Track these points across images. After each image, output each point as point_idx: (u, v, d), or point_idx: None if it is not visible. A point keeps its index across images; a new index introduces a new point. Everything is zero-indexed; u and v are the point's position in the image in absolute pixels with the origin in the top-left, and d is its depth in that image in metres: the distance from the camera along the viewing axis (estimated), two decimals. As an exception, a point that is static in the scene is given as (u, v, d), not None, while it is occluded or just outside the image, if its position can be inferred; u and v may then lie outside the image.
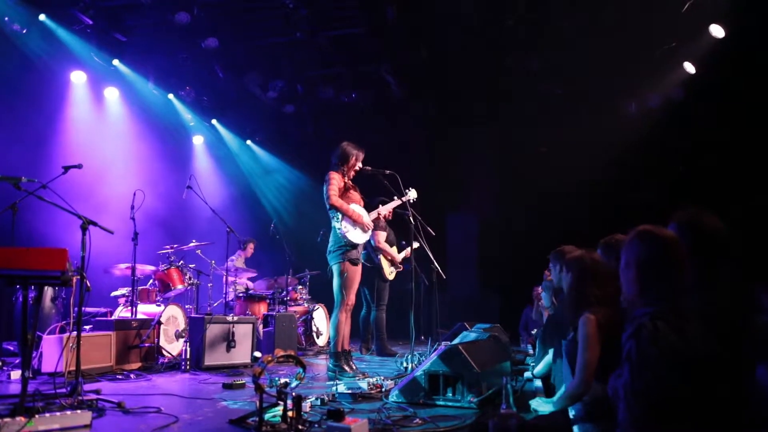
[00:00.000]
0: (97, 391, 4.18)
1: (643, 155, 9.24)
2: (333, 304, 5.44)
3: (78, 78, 8.31)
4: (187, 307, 7.06)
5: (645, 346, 2.02)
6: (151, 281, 7.02)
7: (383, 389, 4.32)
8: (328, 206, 5.32)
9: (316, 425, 3.15)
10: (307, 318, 8.09)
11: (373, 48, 8.84)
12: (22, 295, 3.56)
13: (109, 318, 6.27)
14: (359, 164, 5.55)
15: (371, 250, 7.29)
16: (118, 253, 6.84)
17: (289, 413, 3.03)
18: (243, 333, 6.14)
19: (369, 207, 5.67)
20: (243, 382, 4.78)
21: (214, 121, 10.78)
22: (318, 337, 8.13)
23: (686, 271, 2.18)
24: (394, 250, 7.45)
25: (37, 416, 2.99)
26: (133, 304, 6.24)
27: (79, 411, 3.24)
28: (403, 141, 10.93)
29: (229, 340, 5.98)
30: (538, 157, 10.35)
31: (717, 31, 7.63)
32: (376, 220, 5.84)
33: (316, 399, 3.84)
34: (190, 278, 7.15)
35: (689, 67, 8.47)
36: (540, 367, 4.57)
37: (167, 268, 6.94)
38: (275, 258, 9.00)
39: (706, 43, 7.84)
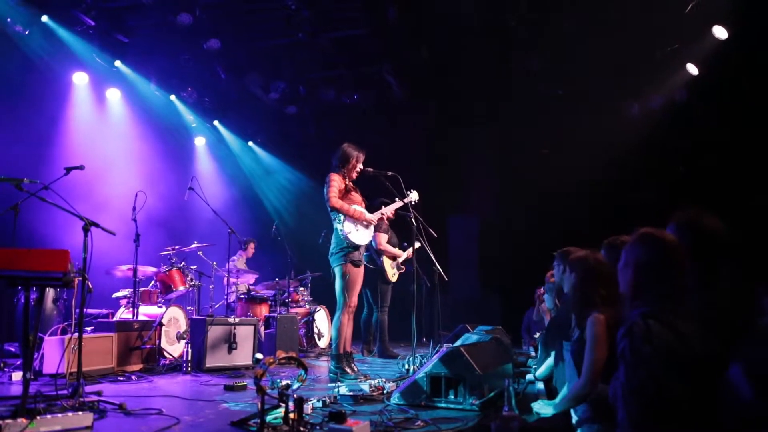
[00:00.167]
0: (98, 393, 4.19)
1: (645, 156, 9.23)
2: (335, 305, 5.43)
3: (80, 79, 8.31)
4: (188, 308, 7.06)
5: (638, 344, 2.04)
6: (152, 283, 7.02)
7: (385, 391, 4.32)
8: (328, 208, 5.32)
9: (318, 427, 3.14)
10: (309, 320, 8.09)
11: (374, 49, 8.85)
12: (24, 297, 3.56)
13: (110, 319, 6.27)
14: (360, 165, 5.55)
15: (373, 252, 7.28)
16: (120, 254, 6.84)
17: (291, 415, 3.02)
18: (244, 335, 6.13)
19: (370, 208, 5.66)
20: (244, 383, 4.78)
21: (215, 123, 10.78)
22: (319, 339, 8.12)
23: (684, 275, 2.19)
24: (396, 250, 7.44)
25: (38, 418, 2.98)
26: (134, 306, 6.24)
27: (80, 412, 3.24)
28: (404, 142, 10.92)
29: (230, 342, 5.97)
30: (539, 158, 10.34)
31: (720, 32, 7.62)
32: (378, 221, 5.84)
33: (318, 401, 3.83)
34: (191, 280, 7.14)
35: (692, 69, 8.45)
36: (542, 370, 4.55)
37: (169, 269, 6.94)
38: (277, 259, 8.99)
39: (709, 44, 7.82)
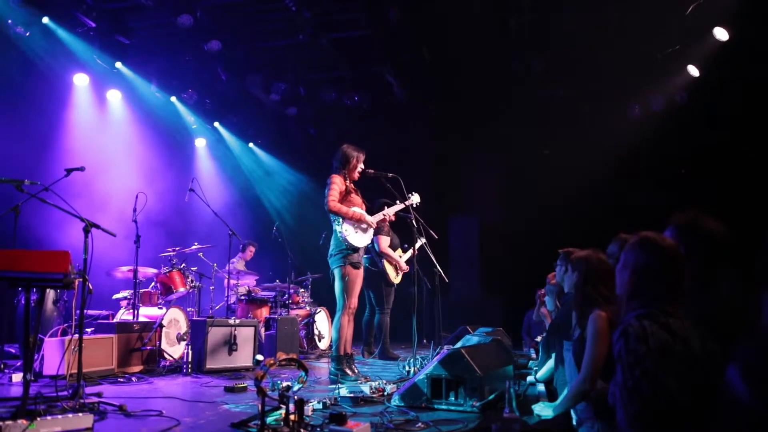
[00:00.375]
0: (98, 394, 4.18)
1: (645, 157, 9.23)
2: (335, 307, 5.42)
3: (80, 80, 8.31)
4: (188, 309, 7.05)
5: (634, 344, 2.05)
6: (153, 284, 7.02)
7: (385, 393, 4.31)
8: (326, 210, 5.31)
9: (319, 429, 3.13)
10: (309, 321, 8.08)
11: (375, 50, 8.85)
12: (24, 298, 3.56)
13: (110, 321, 6.26)
14: (361, 165, 5.53)
15: (375, 254, 7.28)
16: (120, 255, 6.84)
17: (291, 417, 3.02)
18: (245, 336, 6.13)
19: (371, 210, 5.66)
20: (245, 385, 4.77)
21: (216, 124, 10.78)
22: (320, 341, 8.12)
23: (683, 280, 2.20)
24: (397, 253, 7.43)
25: (38, 419, 2.98)
26: (134, 307, 6.23)
27: (80, 414, 3.23)
28: (405, 143, 10.93)
29: (231, 343, 5.97)
30: (540, 159, 10.35)
31: (721, 33, 7.61)
32: (380, 224, 5.83)
33: (319, 402, 3.83)
34: (192, 281, 7.14)
35: (693, 70, 8.45)
36: (543, 372, 4.55)
37: (169, 270, 6.93)
38: (277, 261, 8.99)
39: (710, 45, 7.82)
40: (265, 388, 2.96)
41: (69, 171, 4.63)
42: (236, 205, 10.79)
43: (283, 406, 3.04)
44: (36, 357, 4.89)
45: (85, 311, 4.25)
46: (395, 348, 7.61)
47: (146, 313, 6.53)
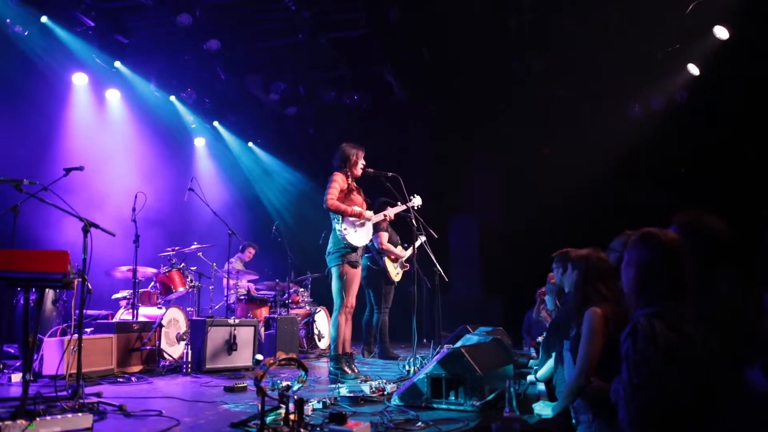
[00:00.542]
0: (98, 394, 4.17)
1: (645, 156, 9.23)
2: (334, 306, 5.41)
3: (79, 80, 8.30)
4: (188, 309, 7.04)
5: (641, 344, 2.04)
6: (152, 284, 7.01)
7: (385, 392, 4.30)
8: (325, 208, 5.30)
9: (318, 428, 3.13)
10: (309, 321, 8.08)
11: (374, 50, 8.83)
12: (24, 298, 3.55)
13: (110, 321, 6.26)
14: (362, 161, 5.51)
15: (375, 252, 7.27)
16: (120, 255, 6.82)
17: (291, 416, 3.01)
18: (245, 336, 6.12)
19: (372, 210, 5.64)
20: (245, 385, 4.77)
21: (215, 123, 10.77)
22: (320, 340, 8.11)
23: (686, 275, 2.19)
24: (399, 250, 7.43)
25: (38, 419, 2.97)
26: (134, 307, 6.23)
27: (80, 414, 3.22)
28: (405, 143, 10.93)
29: (230, 343, 5.96)
30: (540, 158, 10.35)
31: (721, 32, 7.61)
32: (379, 222, 5.82)
33: (318, 402, 3.82)
34: (191, 281, 7.12)
35: (693, 69, 8.44)
36: (543, 371, 4.55)
37: (168, 270, 6.92)
38: (277, 260, 8.98)
39: (711, 44, 7.81)
40: (264, 387, 2.95)
41: (68, 170, 4.62)
42: (236, 205, 10.78)
43: (283, 406, 3.04)
44: (35, 357, 4.87)
45: (85, 311, 4.23)
46: (395, 347, 7.60)
47: (146, 312, 6.52)
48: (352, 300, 5.37)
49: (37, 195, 4.28)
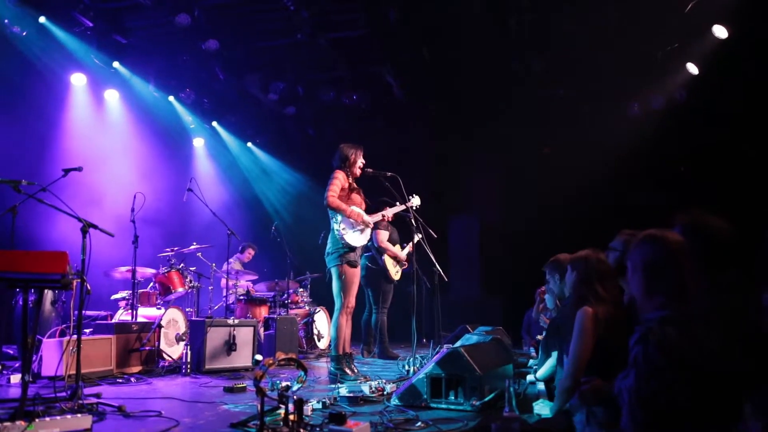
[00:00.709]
0: (97, 395, 4.16)
1: (645, 156, 9.22)
2: (333, 306, 5.40)
3: (78, 80, 8.29)
4: (187, 310, 7.03)
5: (652, 352, 1.99)
6: (151, 284, 7.00)
7: (385, 392, 4.30)
8: (326, 205, 5.27)
9: (318, 429, 3.12)
10: (309, 321, 8.07)
11: (374, 50, 8.82)
12: (22, 299, 3.55)
13: (109, 321, 6.25)
14: (361, 160, 5.49)
15: (375, 251, 7.26)
16: (119, 256, 6.81)
17: (291, 417, 3.00)
18: (244, 336, 6.11)
19: (371, 209, 5.63)
20: (244, 385, 4.76)
21: (214, 124, 10.75)
22: (319, 340, 8.10)
23: (693, 274, 2.16)
24: (397, 249, 7.42)
25: (37, 420, 2.97)
26: (133, 308, 6.22)
27: (79, 415, 3.22)
28: (405, 143, 10.91)
29: (230, 344, 5.95)
30: (540, 158, 10.35)
31: (720, 31, 7.60)
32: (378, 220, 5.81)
33: (318, 402, 3.81)
34: (190, 281, 7.12)
35: (692, 68, 8.44)
36: (543, 371, 4.54)
37: (168, 270, 6.91)
38: (276, 260, 8.96)
39: (710, 43, 7.80)
40: (264, 388, 2.94)
41: (67, 171, 4.61)
42: (235, 205, 10.77)
43: (283, 406, 3.03)
44: (34, 358, 4.87)
45: (84, 312, 4.22)
46: (395, 347, 7.60)
47: (145, 313, 6.52)
48: (352, 300, 5.35)
49: (35, 196, 4.27)
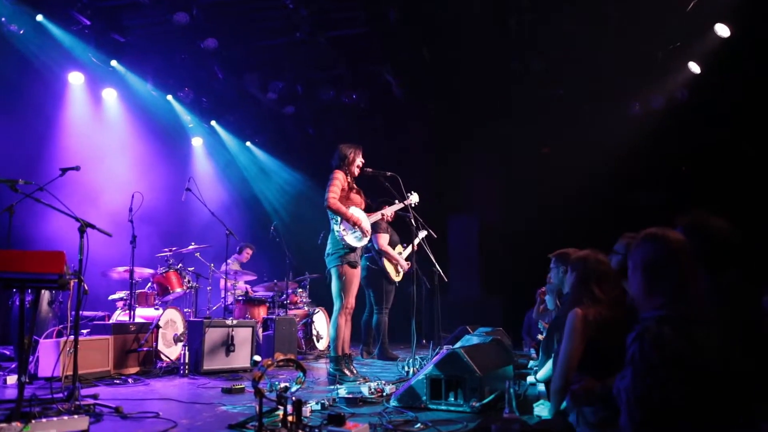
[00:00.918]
0: (94, 396, 4.14)
1: (646, 156, 9.21)
2: (333, 307, 5.37)
3: (76, 79, 8.25)
4: (185, 310, 7.00)
5: (648, 349, 1.99)
6: (149, 284, 6.98)
7: (384, 394, 4.28)
8: (325, 207, 5.24)
9: (317, 430, 3.09)
10: (308, 321, 8.04)
11: (374, 49, 8.80)
12: (19, 299, 3.53)
13: (106, 322, 6.23)
14: (360, 159, 5.45)
15: (374, 253, 7.23)
16: (116, 256, 6.78)
17: (289, 418, 2.98)
18: (242, 337, 6.08)
19: (370, 209, 5.60)
20: (242, 386, 4.74)
21: (213, 123, 10.72)
22: (318, 341, 8.08)
23: (695, 273, 2.14)
24: (398, 250, 7.39)
25: (33, 421, 2.93)
26: (131, 308, 6.19)
27: (76, 416, 3.18)
28: (404, 142, 10.90)
29: (228, 344, 5.92)
30: (540, 158, 10.33)
31: (722, 30, 7.58)
32: (378, 222, 5.78)
33: (317, 403, 3.79)
34: (188, 281, 7.08)
35: (694, 67, 8.42)
36: (543, 372, 4.51)
37: (166, 271, 6.88)
38: (275, 261, 8.94)
39: (711, 42, 7.79)
40: (262, 389, 2.91)
41: (64, 170, 4.58)
42: (233, 205, 10.74)
43: (281, 407, 3.00)
44: (31, 359, 4.85)
45: (81, 312, 4.20)
46: (394, 348, 7.57)
47: (143, 314, 6.49)
48: (351, 301, 5.32)
49: (32, 195, 4.24)
